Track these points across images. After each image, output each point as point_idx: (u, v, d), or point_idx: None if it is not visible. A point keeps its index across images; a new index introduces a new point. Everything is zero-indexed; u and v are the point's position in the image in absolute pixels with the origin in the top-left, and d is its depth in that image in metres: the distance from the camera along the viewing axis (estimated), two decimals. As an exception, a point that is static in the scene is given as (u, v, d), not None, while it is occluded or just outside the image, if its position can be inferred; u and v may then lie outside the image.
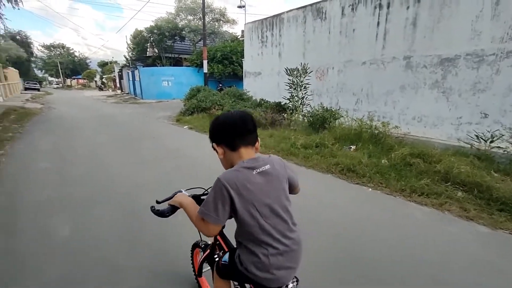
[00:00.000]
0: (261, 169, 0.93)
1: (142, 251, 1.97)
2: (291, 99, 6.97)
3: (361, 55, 6.89)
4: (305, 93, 6.90)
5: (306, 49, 8.47)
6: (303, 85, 6.84)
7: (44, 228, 2.24)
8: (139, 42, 21.66)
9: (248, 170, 0.91)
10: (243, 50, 19.84)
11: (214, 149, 0.99)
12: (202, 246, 1.45)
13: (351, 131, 5.05)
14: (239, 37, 22.67)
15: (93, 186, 3.18)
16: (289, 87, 6.94)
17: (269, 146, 5.02)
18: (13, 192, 3.00)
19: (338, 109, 6.03)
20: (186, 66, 21.36)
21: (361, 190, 3.16)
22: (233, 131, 0.95)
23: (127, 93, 27.70)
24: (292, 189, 1.07)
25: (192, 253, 1.60)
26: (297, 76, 6.86)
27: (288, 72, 6.90)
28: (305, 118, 6.36)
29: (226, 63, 18.87)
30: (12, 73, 25.79)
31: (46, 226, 2.28)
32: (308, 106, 6.83)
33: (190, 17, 21.70)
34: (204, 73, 11.72)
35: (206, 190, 1.20)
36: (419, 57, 5.69)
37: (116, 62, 41.04)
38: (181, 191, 1.12)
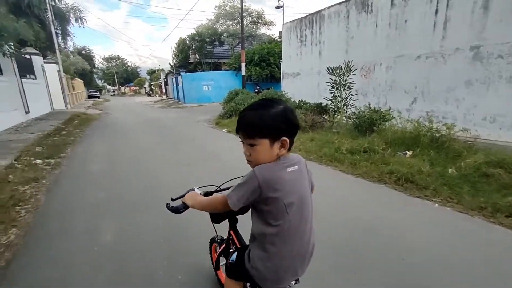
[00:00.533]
0: (293, 168, 0.94)
1: (179, 256, 1.91)
2: (333, 100, 6.52)
3: (414, 49, 6.13)
4: (349, 93, 6.40)
5: (350, 46, 7.90)
6: (347, 84, 6.35)
7: (93, 231, 2.33)
8: (183, 49, 22.96)
9: (283, 168, 0.92)
10: (281, 51, 19.68)
11: (251, 144, 0.92)
12: (218, 241, 1.52)
13: (405, 135, 4.45)
14: (276, 38, 22.55)
15: (139, 188, 3.30)
16: (331, 87, 6.51)
17: (310, 151, 4.71)
18: (69, 193, 3.26)
19: (389, 110, 5.42)
20: (224, 70, 22.00)
21: (425, 205, 2.67)
22: (288, 125, 0.90)
23: (171, 98, 29.65)
24: (311, 187, 1.07)
25: (210, 248, 1.68)
26: (340, 75, 6.40)
27: (331, 71, 6.48)
28: (349, 120, 5.88)
29: (264, 65, 18.87)
30: (79, 83, 29.55)
31: (95, 228, 2.37)
32: (353, 106, 6.31)
33: (229, 22, 22.28)
34: (242, 76, 11.81)
35: (219, 187, 1.26)
36: (492, 46, 4.80)
37: (162, 69, 44.13)
38: (194, 189, 1.18)
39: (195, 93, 20.47)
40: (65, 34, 19.19)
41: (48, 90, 13.53)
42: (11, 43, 8.36)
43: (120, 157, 4.82)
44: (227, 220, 1.26)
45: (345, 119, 6.33)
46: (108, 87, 72.98)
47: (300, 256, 0.96)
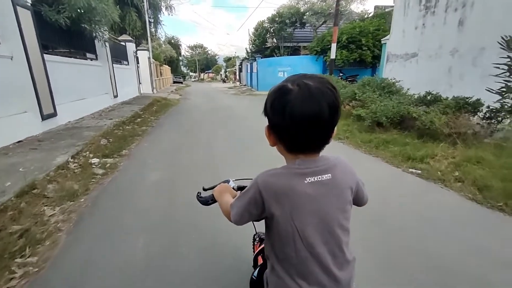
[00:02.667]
0: (317, 178, 0.65)
1: None
2: (506, 93, 3.92)
3: None
4: (542, 83, 3.69)
5: (530, 5, 4.84)
6: (542, 68, 3.65)
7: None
8: (260, 33, 21.79)
9: (297, 177, 0.65)
10: (376, 29, 16.26)
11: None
12: (258, 239, 1.36)
13: None
14: (370, 14, 18.80)
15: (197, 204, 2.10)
16: (507, 70, 3.90)
17: (490, 187, 2.58)
18: (124, 202, 2.49)
19: None
20: (304, 55, 19.85)
21: None
22: (298, 131, 0.63)
23: (244, 85, 29.47)
24: (359, 202, 0.79)
25: (253, 245, 1.42)
26: (527, 51, 3.73)
27: (510, 43, 3.85)
28: None
29: (352, 48, 15.93)
30: (166, 69, 32.44)
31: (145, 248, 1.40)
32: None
33: (314, 0, 19.64)
34: (331, 59, 9.67)
35: None
36: None
37: (237, 57, 45.13)
38: (229, 181, 1.00)
39: (270, 80, 19.13)
40: (156, 23, 20.63)
41: (137, 76, 14.48)
42: (106, 29, 8.61)
43: (186, 155, 3.92)
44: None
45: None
46: (190, 73, 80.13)
47: None
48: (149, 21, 18.15)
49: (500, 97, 3.97)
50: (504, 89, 3.93)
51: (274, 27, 20.01)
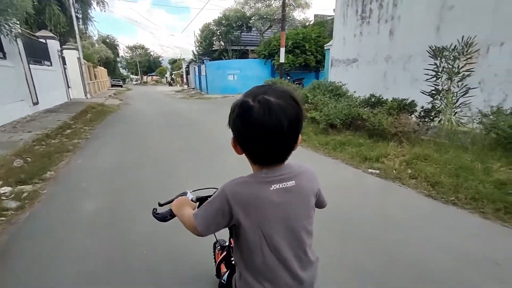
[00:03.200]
0: (281, 185, 0.68)
1: None
2: (435, 95, 4.46)
3: None
4: (462, 85, 4.31)
5: (444, 20, 5.69)
6: (461, 72, 4.27)
7: None
8: (207, 36, 21.22)
9: (263, 185, 0.67)
10: (318, 36, 17.44)
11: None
12: (219, 247, 1.32)
13: None
14: (311, 22, 20.11)
15: (157, 253, 1.74)
16: (434, 75, 4.44)
17: (438, 181, 2.80)
18: (47, 248, 1.82)
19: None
20: (252, 58, 20.06)
21: None
22: (261, 145, 0.64)
23: (193, 88, 28.36)
24: (319, 204, 0.80)
25: (214, 252, 1.39)
26: (449, 59, 4.32)
27: (436, 52, 4.40)
28: (481, 127, 3.82)
29: (298, 53, 16.71)
30: (102, 71, 29.00)
31: None
32: (467, 106, 4.27)
33: (259, 5, 20.03)
34: (281, 63, 9.89)
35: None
36: None
37: (183, 59, 43.60)
38: (186, 193, 0.96)
39: (219, 83, 18.82)
40: (86, 19, 18.14)
41: (65, 78, 12.43)
42: (16, 21, 7.06)
43: (132, 179, 3.17)
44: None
45: (455, 124, 4.31)
46: (131, 76, 73.78)
47: None
48: (76, 16, 15.86)
49: (432, 99, 4.51)
50: (433, 92, 4.49)
51: (221, 30, 19.73)
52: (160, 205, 0.99)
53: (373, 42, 7.40)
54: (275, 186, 0.67)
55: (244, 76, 18.37)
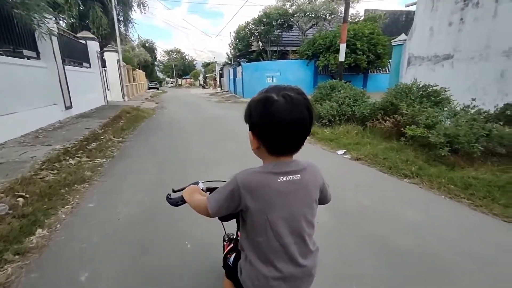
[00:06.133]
0: (288, 178, 0.76)
1: None
2: None
3: None
4: None
5: None
6: None
7: None
8: (244, 36, 20.14)
9: (272, 176, 0.76)
10: (372, 33, 15.30)
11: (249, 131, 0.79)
12: (227, 239, 1.36)
13: None
14: (361, 18, 17.97)
15: None
16: None
17: None
18: None
19: None
20: (292, 59, 18.51)
21: None
22: (283, 135, 0.73)
23: (226, 91, 27.61)
24: (322, 201, 0.90)
25: (223, 245, 1.41)
26: None
27: None
28: None
29: (347, 52, 14.74)
30: (140, 74, 29.67)
31: None
32: None
33: (301, 1, 18.41)
34: (340, 62, 8.18)
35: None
36: None
37: (216, 62, 43.76)
38: (198, 182, 1.07)
39: (257, 86, 17.34)
40: (126, 21, 18.14)
41: (103, 81, 12.06)
42: (49, 16, 6.39)
43: (177, 239, 1.94)
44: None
45: None
46: (167, 79, 76.63)
47: (293, 280, 0.80)
48: (118, 19, 15.75)
49: None
50: None
51: (260, 29, 18.46)
52: (174, 191, 1.07)
53: (483, 30, 5.41)
54: (282, 178, 0.75)
55: (284, 78, 16.87)
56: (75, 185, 2.81)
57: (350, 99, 6.50)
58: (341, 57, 8.12)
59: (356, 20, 17.55)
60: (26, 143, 4.40)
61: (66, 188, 2.69)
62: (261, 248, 0.77)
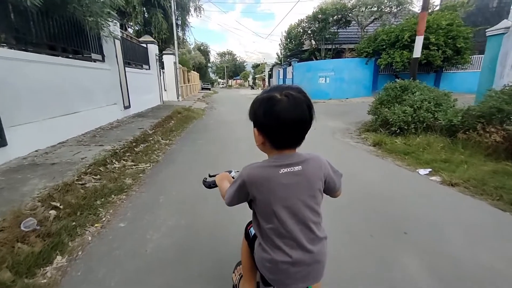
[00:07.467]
0: (289, 169, 0.83)
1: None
2: None
3: None
4: None
5: None
6: None
7: None
8: (296, 35, 19.32)
9: (273, 168, 0.83)
10: (450, 24, 12.86)
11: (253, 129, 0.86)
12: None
13: None
14: (436, 7, 15.44)
15: None
16: None
17: None
18: None
19: None
20: (348, 57, 16.97)
21: None
22: (286, 131, 0.80)
23: (275, 92, 27.12)
24: (330, 191, 0.93)
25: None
26: None
27: None
28: None
29: (417, 48, 12.73)
30: (194, 76, 31.34)
31: None
32: None
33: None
34: (414, 58, 6.84)
35: None
36: None
37: (266, 63, 43.78)
38: (231, 171, 1.17)
39: (308, 86, 15.85)
40: (184, 25, 19.13)
41: (160, 82, 12.74)
42: (112, 19, 6.75)
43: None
44: None
45: None
46: (219, 80, 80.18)
47: (303, 266, 0.84)
48: (176, 23, 16.62)
49: None
50: None
51: (314, 27, 17.40)
52: (210, 176, 1.20)
53: None
54: (284, 170, 0.82)
55: (338, 79, 15.54)
56: (112, 196, 2.57)
57: (430, 102, 5.26)
58: (417, 53, 6.74)
59: (430, 11, 15.12)
60: (83, 142, 4.53)
61: (102, 199, 2.45)
62: (270, 234, 0.83)
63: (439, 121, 4.76)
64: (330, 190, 0.92)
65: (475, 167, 3.27)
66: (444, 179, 3.12)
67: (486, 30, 7.29)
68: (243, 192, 0.84)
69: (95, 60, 6.58)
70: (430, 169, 3.49)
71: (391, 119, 5.47)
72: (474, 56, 14.32)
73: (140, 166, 3.52)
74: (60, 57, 5.05)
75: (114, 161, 3.54)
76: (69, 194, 2.40)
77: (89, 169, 3.05)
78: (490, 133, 3.64)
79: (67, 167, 3.11)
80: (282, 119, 0.76)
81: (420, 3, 16.73)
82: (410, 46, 12.94)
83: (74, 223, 2.01)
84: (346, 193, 1.10)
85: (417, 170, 3.55)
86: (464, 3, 14.27)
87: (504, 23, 6.65)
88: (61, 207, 2.17)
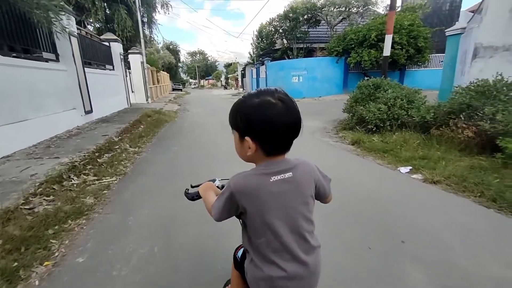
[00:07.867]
0: (280, 177, 0.77)
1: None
2: None
3: None
4: None
5: None
6: None
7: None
8: (268, 34, 19.30)
9: (263, 177, 0.76)
10: (411, 24, 13.68)
11: (239, 138, 0.79)
12: None
13: None
14: (398, 8, 16.30)
15: None
16: None
17: None
18: None
19: None
20: (319, 56, 17.33)
21: None
22: (282, 136, 0.76)
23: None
24: (321, 197, 0.89)
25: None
26: None
27: None
28: None
29: (383, 47, 13.35)
30: (164, 76, 29.99)
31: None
32: None
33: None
34: (385, 56, 7.05)
35: None
36: None
37: (238, 62, 43.52)
38: (215, 180, 1.09)
39: (282, 86, 16.36)
40: (150, 23, 18.08)
41: (126, 83, 11.86)
42: (68, 14, 6.02)
43: None
44: None
45: None
46: (190, 80, 78.09)
47: (298, 280, 0.78)
48: (142, 20, 15.64)
49: None
50: None
51: (286, 26, 17.50)
52: (192, 186, 1.10)
53: None
54: (274, 178, 0.76)
55: (311, 77, 15.79)
56: (69, 221, 2.14)
57: (402, 100, 5.40)
58: (387, 51, 6.98)
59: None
60: (34, 154, 3.92)
61: (56, 227, 2.03)
62: (263, 249, 0.78)
63: (413, 118, 4.89)
64: (321, 196, 0.88)
65: (452, 163, 3.34)
66: (426, 177, 3.14)
67: (446, 30, 7.77)
68: (233, 205, 0.78)
69: (47, 60, 5.81)
70: (411, 167, 3.51)
71: (367, 117, 5.53)
72: (432, 54, 15.40)
73: (104, 180, 3.07)
74: (0, 56, 4.32)
75: (72, 176, 3.06)
76: (11, 223, 1.95)
77: (40, 189, 2.57)
78: (462, 129, 3.77)
79: (11, 188, 2.60)
80: (280, 124, 0.73)
81: (383, 4, 17.52)
82: (377, 45, 13.56)
83: (16, 263, 1.59)
84: (334, 196, 0.95)
85: (398, 169, 3.56)
86: (422, 5, 15.26)
87: (460, 24, 7.12)
88: (-1, 243, 1.73)
